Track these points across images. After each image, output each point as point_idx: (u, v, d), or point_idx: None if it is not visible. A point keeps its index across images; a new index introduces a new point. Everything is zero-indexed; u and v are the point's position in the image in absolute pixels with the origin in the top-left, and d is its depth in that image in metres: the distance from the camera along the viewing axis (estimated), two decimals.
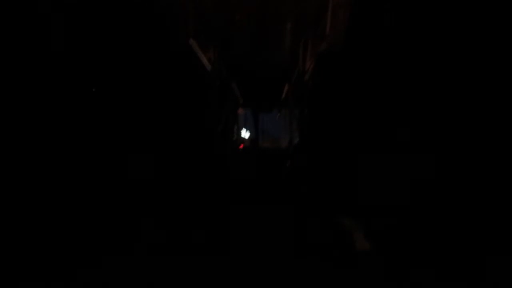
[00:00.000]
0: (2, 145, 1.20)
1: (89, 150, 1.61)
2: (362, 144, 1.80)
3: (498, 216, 0.91)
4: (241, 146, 6.27)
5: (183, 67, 2.65)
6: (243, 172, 4.80)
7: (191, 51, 2.84)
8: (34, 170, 1.31)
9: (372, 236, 1.54)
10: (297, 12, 3.39)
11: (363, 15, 1.75)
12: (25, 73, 1.28)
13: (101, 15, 1.72)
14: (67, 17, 1.51)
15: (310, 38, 3.51)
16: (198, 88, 3.05)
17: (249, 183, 4.44)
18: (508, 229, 0.88)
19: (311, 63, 3.15)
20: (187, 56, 2.78)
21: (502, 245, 0.89)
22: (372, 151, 1.67)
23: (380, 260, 1.37)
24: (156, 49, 2.20)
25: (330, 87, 2.37)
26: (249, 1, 3.22)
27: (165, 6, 2.36)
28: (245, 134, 6.90)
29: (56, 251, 1.32)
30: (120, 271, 1.26)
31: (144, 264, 1.33)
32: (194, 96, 2.88)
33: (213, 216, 2.21)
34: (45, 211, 1.34)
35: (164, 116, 2.29)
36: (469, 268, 0.97)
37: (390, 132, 1.47)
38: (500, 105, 0.93)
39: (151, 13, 2.14)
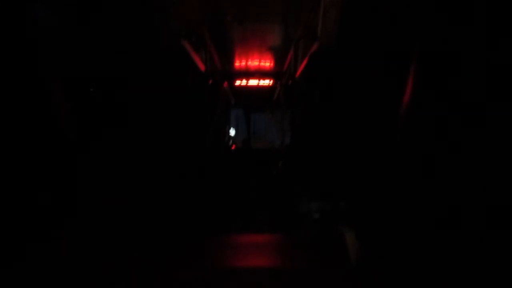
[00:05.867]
0: None
1: (81, 150, 1.59)
2: (354, 144, 1.81)
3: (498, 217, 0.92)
4: (233, 147, 6.26)
5: (175, 67, 2.64)
6: (236, 172, 4.81)
7: (183, 51, 2.82)
8: None
9: (364, 237, 1.55)
10: (289, 13, 3.40)
11: (354, 15, 1.76)
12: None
13: (92, 17, 1.70)
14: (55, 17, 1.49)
15: (301, 38, 3.53)
16: (190, 89, 3.04)
17: (242, 182, 4.44)
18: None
19: (303, 63, 3.17)
20: (179, 56, 2.77)
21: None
22: (364, 151, 1.68)
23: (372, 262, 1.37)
24: (148, 50, 2.18)
25: (321, 87, 2.38)
26: (241, 2, 3.22)
27: (157, 7, 2.34)
28: (237, 134, 6.88)
29: None
30: None
31: None
32: (186, 96, 2.87)
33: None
34: None
35: (155, 116, 2.27)
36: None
37: (383, 132, 1.48)
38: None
39: (143, 14, 2.12)
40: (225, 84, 5.07)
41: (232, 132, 6.85)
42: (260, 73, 5.75)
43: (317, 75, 2.51)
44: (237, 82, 5.79)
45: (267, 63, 5.39)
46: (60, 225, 1.42)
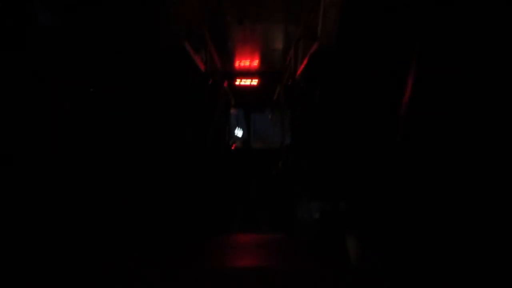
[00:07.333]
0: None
1: (77, 152, 1.59)
2: (354, 144, 1.81)
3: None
4: (233, 147, 6.26)
5: (175, 67, 2.64)
6: (236, 172, 4.82)
7: (183, 52, 2.82)
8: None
9: (364, 237, 1.55)
10: (289, 13, 3.40)
11: (354, 15, 1.76)
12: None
13: (92, 17, 1.70)
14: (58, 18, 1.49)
15: (301, 38, 3.52)
16: (190, 89, 3.04)
17: (242, 182, 4.45)
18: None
19: (303, 63, 3.17)
20: (179, 56, 2.77)
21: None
22: (364, 151, 1.68)
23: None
24: (148, 50, 2.19)
25: (321, 87, 2.38)
26: (241, 2, 3.22)
27: (157, 7, 2.34)
28: (237, 134, 6.88)
29: None
30: None
31: None
32: (186, 96, 2.87)
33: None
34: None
35: (155, 116, 2.27)
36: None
37: (383, 133, 1.48)
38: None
39: (143, 14, 2.12)
40: (225, 84, 5.08)
41: (240, 133, 6.83)
42: (260, 73, 5.75)
43: (317, 75, 2.51)
44: (237, 82, 5.78)
45: (267, 63, 5.39)
46: (61, 225, 1.42)
